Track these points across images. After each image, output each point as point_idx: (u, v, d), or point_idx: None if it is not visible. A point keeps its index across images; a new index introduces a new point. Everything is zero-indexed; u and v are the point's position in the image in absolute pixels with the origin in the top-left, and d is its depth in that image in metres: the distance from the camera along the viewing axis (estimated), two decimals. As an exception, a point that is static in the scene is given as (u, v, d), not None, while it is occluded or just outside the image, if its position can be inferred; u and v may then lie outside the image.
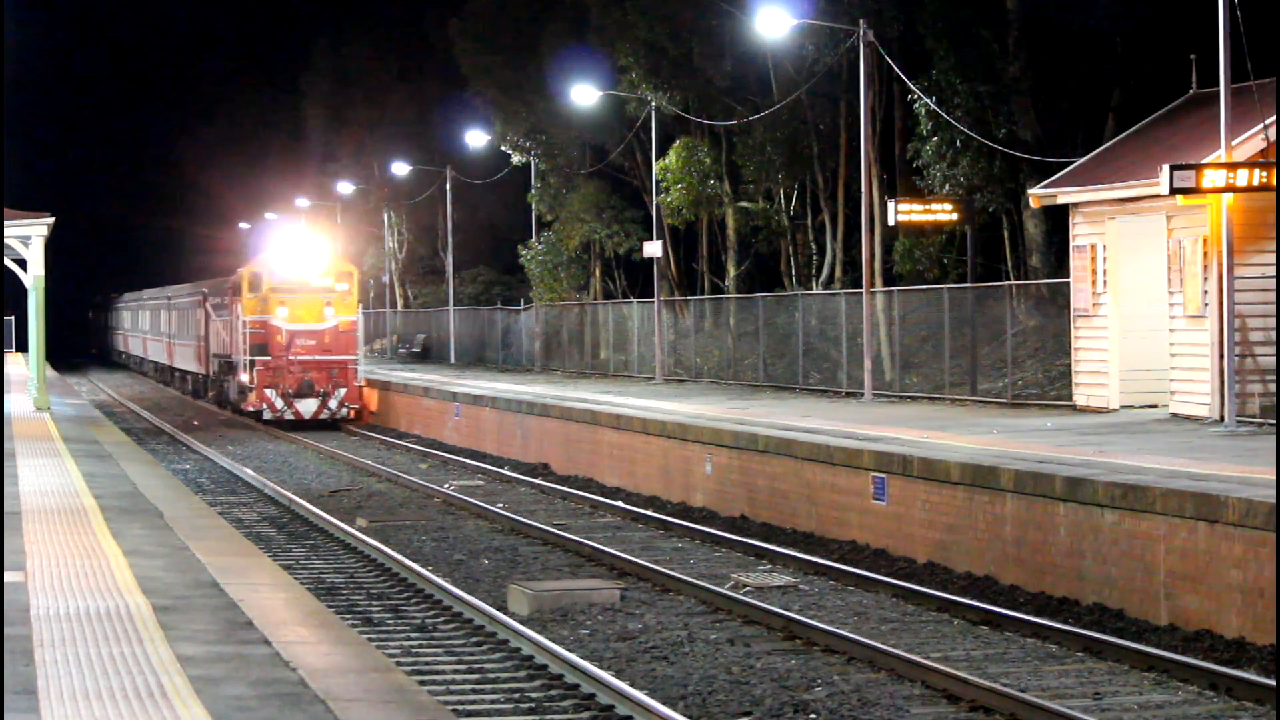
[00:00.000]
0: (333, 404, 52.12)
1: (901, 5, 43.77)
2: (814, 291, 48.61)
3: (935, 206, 40.00)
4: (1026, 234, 42.40)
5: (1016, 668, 16.83)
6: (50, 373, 57.31)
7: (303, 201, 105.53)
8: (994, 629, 18.82)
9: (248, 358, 52.36)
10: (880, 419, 31.68)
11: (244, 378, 52.85)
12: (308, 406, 51.89)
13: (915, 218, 40.05)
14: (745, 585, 21.63)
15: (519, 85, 63.79)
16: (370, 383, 55.49)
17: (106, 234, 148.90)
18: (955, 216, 39.91)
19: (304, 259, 53.99)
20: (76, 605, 14.75)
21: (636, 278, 63.97)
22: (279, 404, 51.65)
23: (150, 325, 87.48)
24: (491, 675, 16.48)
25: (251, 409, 52.51)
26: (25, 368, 59.33)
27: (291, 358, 52.05)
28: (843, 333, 41.79)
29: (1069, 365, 33.69)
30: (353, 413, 52.93)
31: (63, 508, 22.32)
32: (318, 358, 52.21)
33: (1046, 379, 36.43)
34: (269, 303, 52.59)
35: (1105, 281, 31.73)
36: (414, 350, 77.94)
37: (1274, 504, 17.27)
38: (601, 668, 16.32)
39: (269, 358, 52.02)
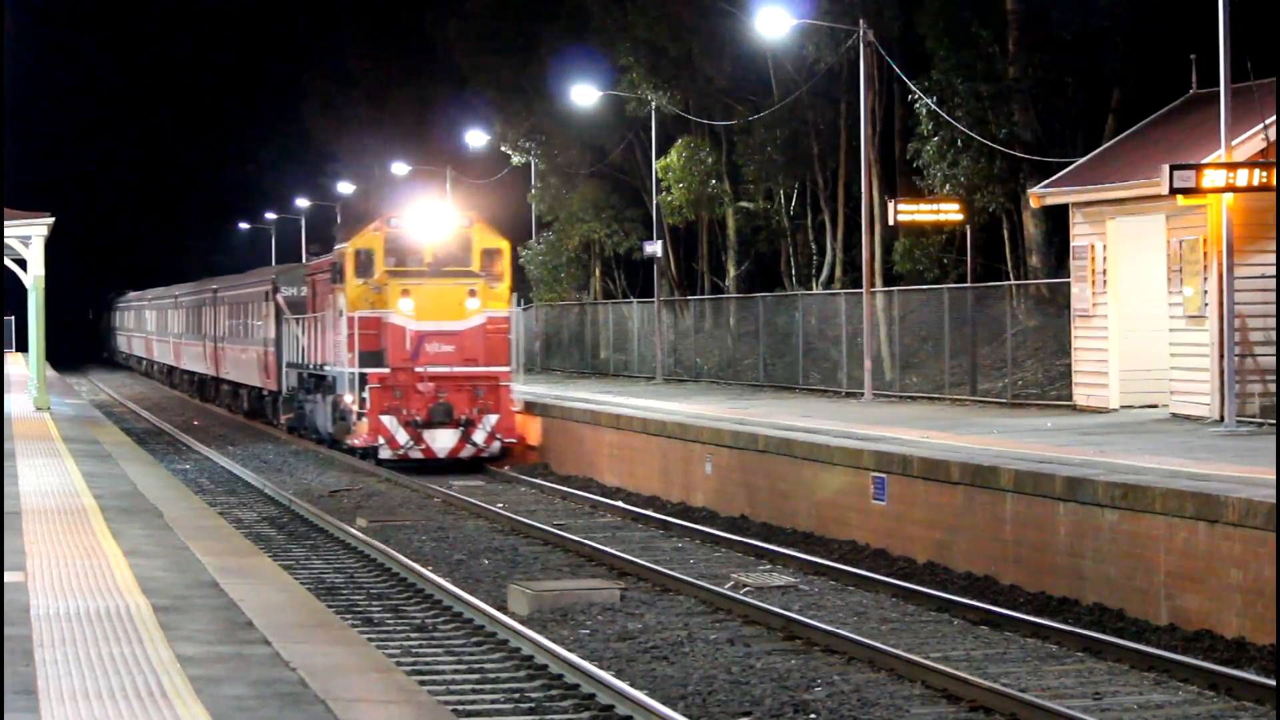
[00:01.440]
0: (479, 436, 37.46)
1: (901, 5, 43.77)
2: (814, 291, 48.62)
3: (936, 206, 40.01)
4: (1026, 234, 42.38)
5: (1016, 668, 16.82)
6: (50, 373, 57.26)
7: (303, 202, 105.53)
8: (994, 629, 18.81)
9: (353, 370, 37.40)
10: (880, 419, 31.68)
11: (347, 399, 37.86)
12: (443, 440, 37.25)
13: (915, 218, 40.06)
14: (745, 585, 21.62)
15: (519, 85, 63.76)
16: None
17: (106, 234, 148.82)
18: (956, 216, 39.92)
19: (437, 228, 38.77)
20: (76, 605, 14.75)
21: (636, 278, 63.97)
22: (402, 438, 36.97)
23: (182, 326, 71.90)
24: (491, 675, 16.48)
25: (359, 444, 37.84)
26: (25, 368, 59.30)
27: (420, 370, 37.19)
28: (843, 333, 41.80)
29: (1069, 365, 33.68)
30: (508, 448, 38.47)
31: (63, 508, 22.32)
32: (458, 370, 37.42)
33: (1046, 379, 36.43)
34: (387, 292, 37.70)
35: (1105, 281, 31.72)
36: None
37: (1274, 504, 17.26)
38: (601, 668, 16.32)
39: (386, 370, 37.15)
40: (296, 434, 45.95)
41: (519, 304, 39.25)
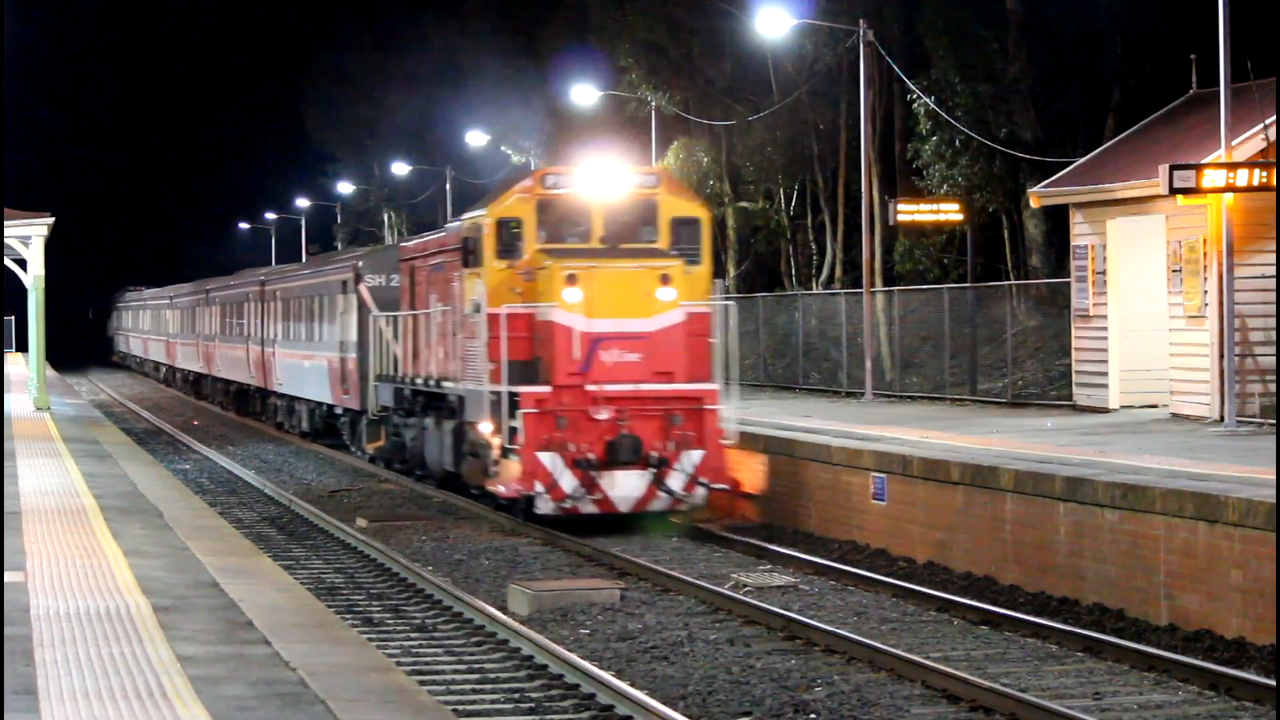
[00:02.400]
0: (676, 481, 26.68)
1: (901, 5, 43.79)
2: (814, 291, 48.64)
3: (936, 206, 40.02)
4: (1026, 234, 42.41)
5: (1016, 668, 16.82)
6: (50, 373, 57.26)
7: (303, 202, 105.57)
8: (994, 629, 18.81)
9: (497, 389, 26.89)
10: (880, 419, 31.68)
11: (484, 428, 27.37)
12: (627, 487, 26.60)
13: (915, 218, 40.08)
14: (745, 585, 21.62)
15: (519, 85, 63.78)
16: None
17: (106, 234, 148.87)
18: (956, 217, 39.94)
19: (611, 189, 28.08)
20: (76, 605, 14.75)
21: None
22: (568, 483, 26.31)
23: (215, 327, 61.29)
24: (491, 675, 16.48)
25: (504, 492, 27.03)
26: (25, 368, 59.29)
27: (595, 388, 26.58)
28: (843, 333, 41.82)
29: (1069, 365, 33.69)
30: (719, 496, 27.85)
31: (63, 508, 22.32)
32: (647, 387, 26.74)
33: (1046, 379, 36.44)
34: (545, 278, 27.01)
35: (1105, 281, 31.72)
36: None
37: (1274, 504, 17.26)
38: (601, 668, 16.32)
39: (546, 388, 26.58)
40: (388, 466, 36.16)
41: (722, 292, 28.67)
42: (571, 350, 26.45)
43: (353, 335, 38.70)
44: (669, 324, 26.73)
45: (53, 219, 42.72)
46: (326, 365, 41.26)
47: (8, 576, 16.03)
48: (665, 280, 26.71)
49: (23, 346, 65.21)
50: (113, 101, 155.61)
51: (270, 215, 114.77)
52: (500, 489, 27.01)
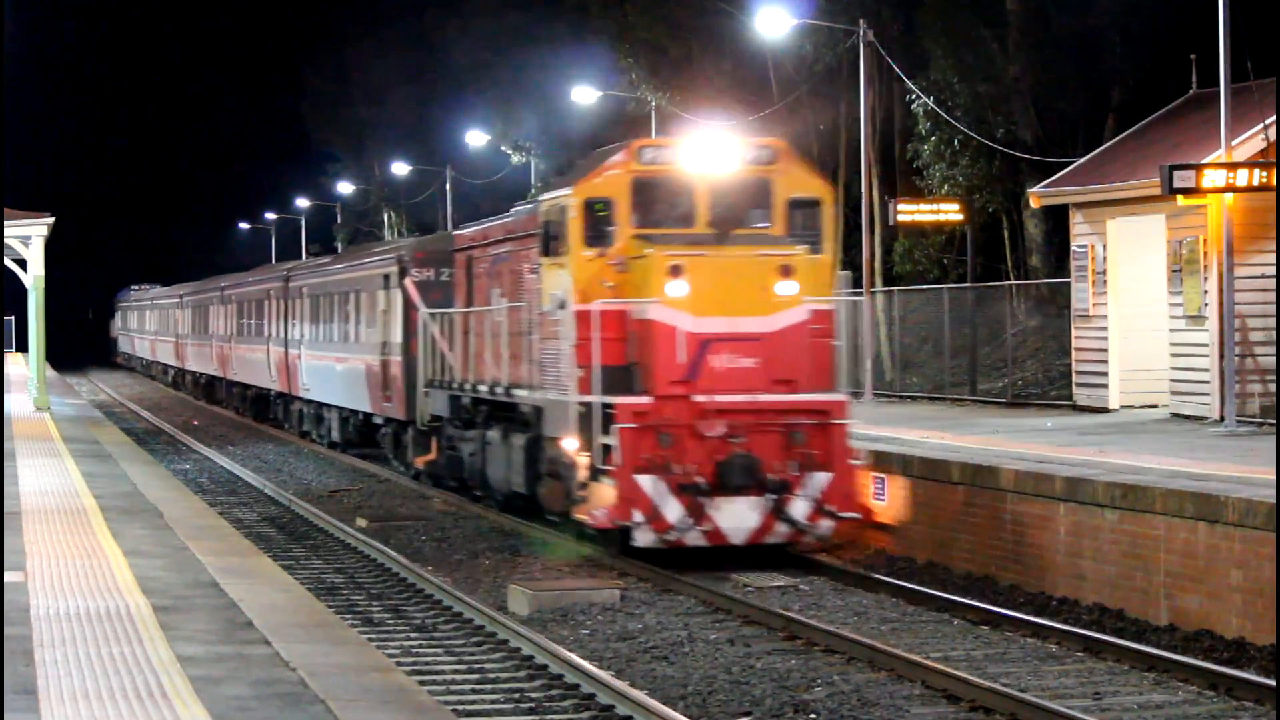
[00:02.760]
0: (798, 509, 22.78)
1: (901, 5, 43.80)
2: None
3: (936, 206, 40.04)
4: (1026, 234, 42.42)
5: (1016, 668, 16.82)
6: (50, 373, 57.26)
7: (303, 202, 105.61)
8: (994, 629, 18.81)
9: (587, 399, 22.95)
10: (880, 418, 31.68)
11: (569, 445, 23.40)
12: (741, 516, 22.70)
13: (915, 218, 40.10)
14: (745, 585, 21.61)
15: (519, 85, 63.81)
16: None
17: (106, 234, 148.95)
18: (956, 217, 39.96)
19: (719, 163, 24.12)
20: (76, 605, 14.76)
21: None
22: (673, 512, 22.37)
23: (231, 326, 57.71)
24: (491, 675, 16.48)
25: (595, 521, 22.89)
26: (25, 368, 59.31)
27: (703, 399, 22.78)
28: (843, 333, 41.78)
29: (1069, 365, 33.70)
30: (844, 527, 23.55)
31: (63, 508, 22.33)
32: (766, 398, 22.94)
33: (1047, 379, 36.46)
34: (642, 269, 23.15)
35: (1105, 281, 31.73)
36: None
37: (1274, 504, 17.27)
38: (601, 668, 16.32)
39: (646, 399, 22.74)
40: (437, 484, 32.04)
41: (849, 285, 25.83)
42: (675, 354, 22.63)
43: (397, 336, 34.89)
44: (790, 323, 22.90)
45: (53, 219, 42.74)
46: (364, 369, 37.26)
47: (8, 576, 16.03)
48: (786, 272, 22.83)
49: (23, 346, 65.26)
50: (113, 101, 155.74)
51: (270, 215, 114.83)
52: (591, 518, 22.72)
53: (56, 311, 55.12)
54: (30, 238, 42.44)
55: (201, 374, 66.44)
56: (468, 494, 30.09)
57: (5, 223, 40.61)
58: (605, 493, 22.38)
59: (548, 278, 24.28)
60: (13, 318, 66.38)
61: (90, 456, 31.29)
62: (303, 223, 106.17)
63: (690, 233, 23.52)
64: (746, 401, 22.67)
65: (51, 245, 43.42)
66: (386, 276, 35.85)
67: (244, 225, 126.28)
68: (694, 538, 22.39)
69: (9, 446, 31.06)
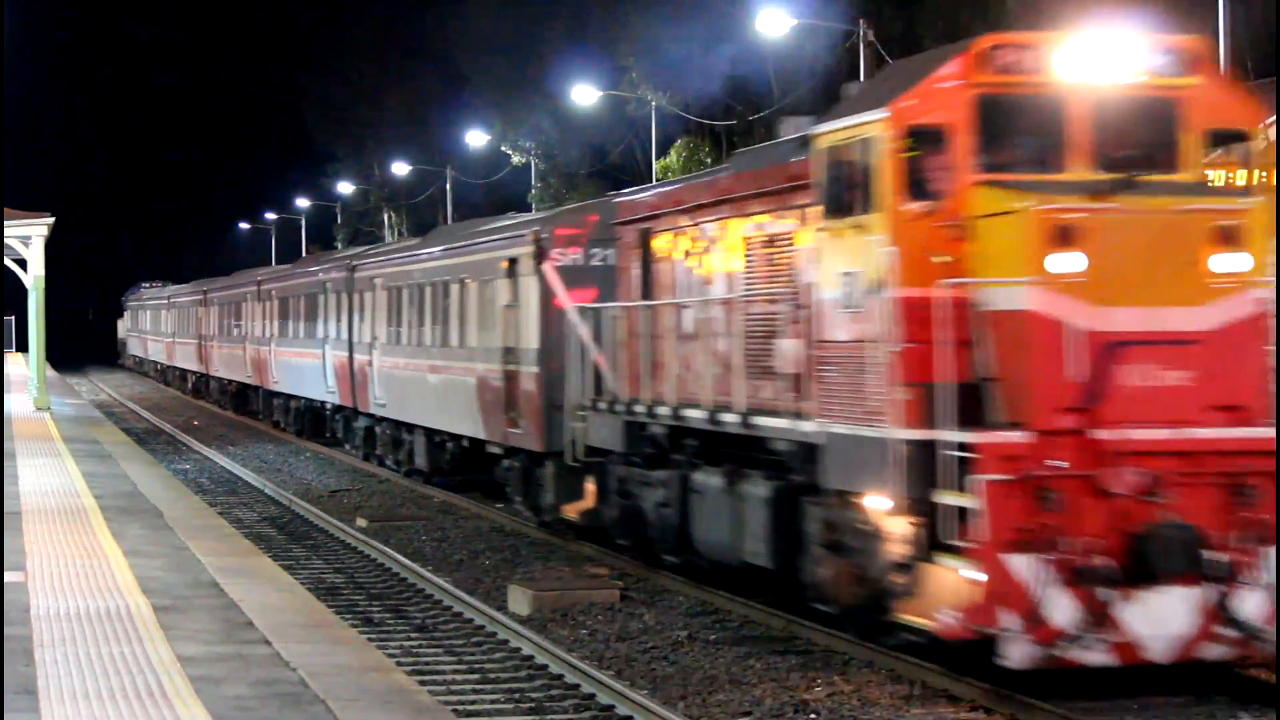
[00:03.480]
0: (1249, 606, 14.59)
1: (901, 5, 43.85)
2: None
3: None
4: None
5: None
6: (50, 373, 57.29)
7: (303, 202, 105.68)
8: (994, 629, 18.73)
9: (922, 436, 14.99)
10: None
11: (875, 504, 15.77)
12: (1167, 618, 14.56)
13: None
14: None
15: (519, 85, 63.85)
16: None
17: (106, 234, 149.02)
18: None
19: (1110, 76, 15.90)
20: (76, 605, 14.76)
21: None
22: (1063, 613, 14.35)
23: (270, 327, 49.91)
24: (491, 675, 16.48)
25: (950, 628, 14.69)
26: (25, 368, 59.34)
27: (1112, 435, 14.63)
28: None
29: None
30: None
31: (63, 508, 22.34)
32: (1200, 433, 14.81)
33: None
34: (1002, 233, 15.09)
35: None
36: None
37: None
38: (601, 668, 16.33)
39: (1018, 435, 14.57)
40: (581, 535, 24.96)
41: None
42: (1065, 365, 14.79)
43: (530, 339, 26.33)
44: (1236, 316, 15.06)
45: (53, 219, 42.78)
46: (474, 383, 29.02)
47: (8, 576, 16.04)
48: (1228, 238, 15.00)
49: (23, 346, 65.29)
50: (113, 101, 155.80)
51: (270, 215, 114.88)
52: (931, 623, 15.04)
53: (56, 311, 55.03)
54: (30, 238, 42.47)
55: (230, 381, 58.60)
56: (647, 554, 22.11)
57: (5, 223, 40.63)
58: (951, 583, 14.77)
59: (832, 250, 16.25)
60: (13, 318, 66.43)
61: (90, 456, 31.30)
62: (303, 223, 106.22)
63: (1074, 179, 15.57)
64: (1174, 439, 14.80)
65: (51, 245, 43.44)
66: (512, 262, 27.14)
67: (244, 225, 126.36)
68: (1095, 653, 14.51)
69: (9, 446, 31.07)
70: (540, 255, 25.99)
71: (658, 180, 51.93)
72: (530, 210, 53.53)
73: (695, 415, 19.65)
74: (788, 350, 17.53)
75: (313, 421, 45.32)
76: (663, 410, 20.66)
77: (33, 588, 15.64)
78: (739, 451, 19.06)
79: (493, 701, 15.34)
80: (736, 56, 50.67)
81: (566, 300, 24.67)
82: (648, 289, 21.93)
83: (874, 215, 15.66)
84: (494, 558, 24.57)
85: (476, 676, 16.44)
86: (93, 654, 12.64)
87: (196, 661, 12.47)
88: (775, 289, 18.09)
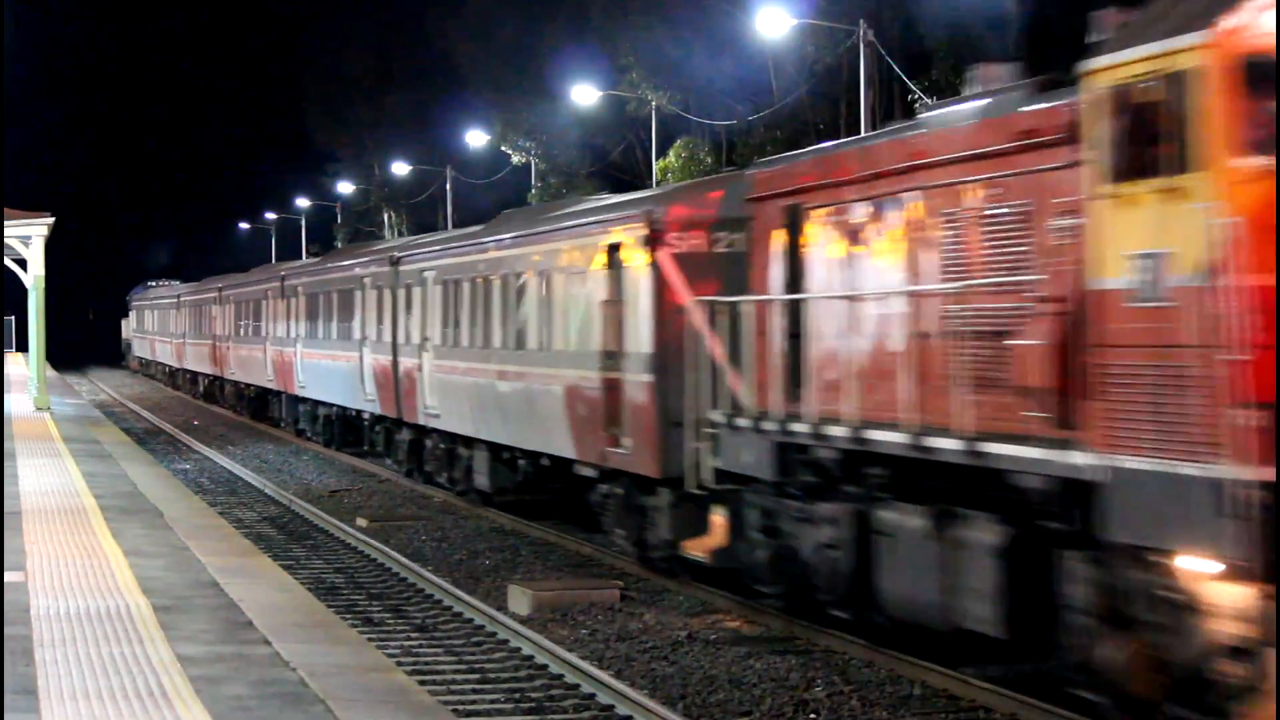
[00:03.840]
0: None
1: (901, 5, 43.86)
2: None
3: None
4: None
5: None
6: (50, 373, 57.30)
7: (303, 202, 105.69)
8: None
9: None
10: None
11: (1197, 567, 11.50)
12: None
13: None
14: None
15: (519, 85, 63.87)
16: None
17: (106, 234, 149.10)
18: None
19: None
20: (76, 605, 14.76)
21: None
22: None
23: (299, 328, 45.52)
24: (491, 675, 16.49)
25: None
26: (25, 368, 59.34)
27: None
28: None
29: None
30: None
31: (63, 508, 22.34)
32: None
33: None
34: None
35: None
36: None
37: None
38: (601, 668, 16.33)
39: None
40: (699, 575, 20.96)
41: None
42: None
43: (640, 342, 21.73)
44: None
45: (53, 219, 42.78)
46: (561, 393, 24.56)
47: (8, 576, 16.04)
48: None
49: (23, 346, 65.30)
50: (113, 101, 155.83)
51: (270, 215, 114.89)
52: None
53: (56, 311, 54.99)
54: (30, 238, 42.47)
55: (249, 386, 55.26)
56: (800, 605, 18.04)
57: (5, 223, 40.63)
58: None
59: (1119, 223, 12.30)
60: (13, 318, 66.44)
61: (90, 456, 31.30)
62: (303, 223, 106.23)
63: None
64: None
65: (51, 245, 43.45)
66: (613, 249, 22.83)
67: (244, 225, 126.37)
68: None
69: (9, 446, 31.07)
70: (654, 241, 21.51)
71: (657, 181, 51.95)
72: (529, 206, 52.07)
73: (889, 438, 15.53)
74: (1037, 356, 13.35)
75: (343, 430, 41.86)
76: (837, 431, 16.42)
77: (33, 588, 15.64)
78: (946, 485, 15.03)
79: (493, 701, 15.34)
80: (737, 56, 50.69)
81: (688, 295, 20.70)
82: (796, 279, 18.07)
83: (1194, 175, 11.57)
84: (494, 558, 24.56)
85: (476, 676, 16.44)
86: (93, 654, 12.64)
87: (196, 661, 12.47)
88: (1011, 277, 14.19)
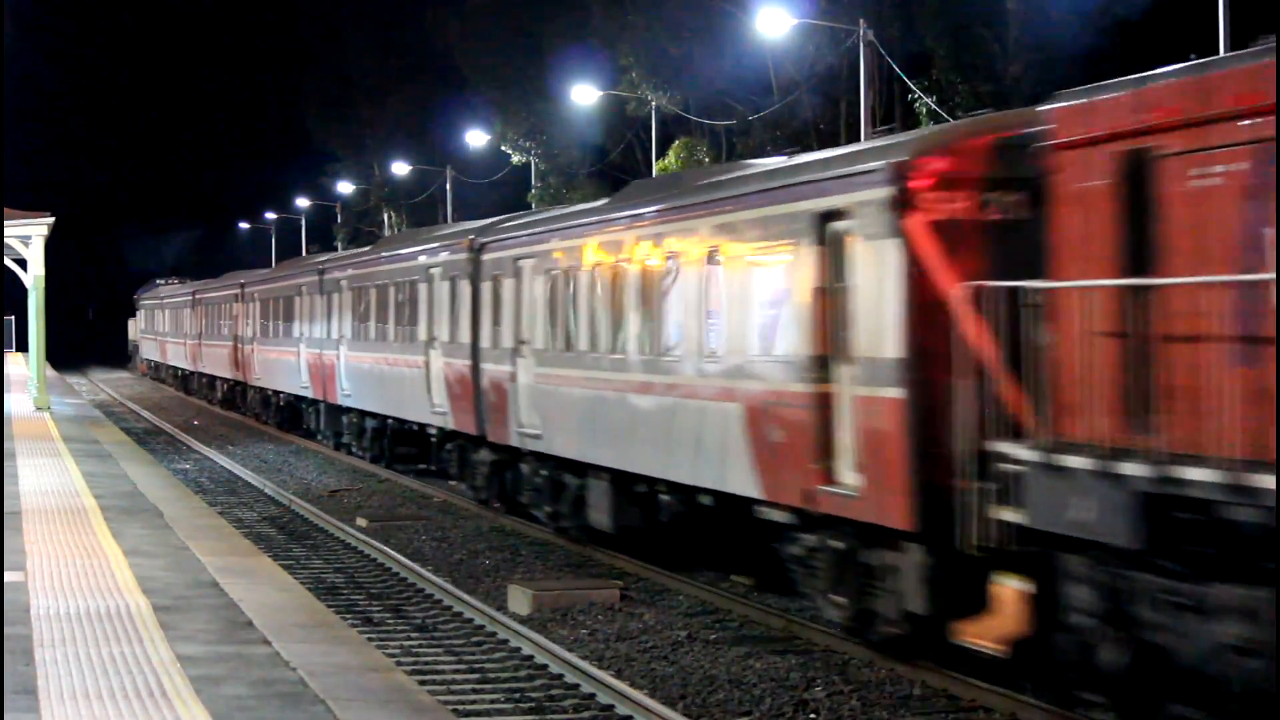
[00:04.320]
0: None
1: (901, 5, 43.84)
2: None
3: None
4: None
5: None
6: (50, 372, 57.29)
7: (303, 202, 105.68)
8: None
9: None
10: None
11: None
12: None
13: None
14: (745, 585, 21.59)
15: (519, 85, 63.89)
16: None
17: (106, 233, 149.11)
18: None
19: None
20: (76, 605, 14.76)
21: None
22: None
23: (345, 328, 39.84)
24: (491, 675, 16.48)
25: None
26: (25, 368, 59.34)
27: None
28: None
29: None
30: None
31: (63, 508, 22.34)
32: None
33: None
34: None
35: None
36: None
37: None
38: (601, 668, 16.33)
39: None
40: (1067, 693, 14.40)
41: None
42: None
43: (884, 344, 15.92)
44: None
45: (53, 219, 42.77)
46: (740, 412, 18.95)
47: (8, 576, 16.04)
48: None
49: (23, 346, 65.28)
50: (113, 101, 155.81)
51: (270, 215, 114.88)
52: None
53: (56, 311, 54.96)
54: (30, 237, 42.47)
55: (277, 393, 49.87)
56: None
57: (5, 223, 40.63)
58: None
59: None
60: (13, 318, 66.41)
61: (90, 456, 31.30)
62: (303, 223, 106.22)
63: None
64: None
65: (51, 245, 43.45)
66: (826, 217, 17.10)
67: (244, 225, 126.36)
68: None
69: (9, 446, 31.07)
70: (904, 204, 15.67)
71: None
72: (533, 208, 48.63)
73: None
74: None
75: (393, 443, 36.74)
76: (1265, 482, 10.82)
77: (33, 587, 15.64)
78: None
79: (492, 701, 15.34)
80: (737, 56, 50.69)
81: (953, 279, 15.19)
82: (1140, 256, 12.44)
83: None
84: (494, 558, 24.56)
85: (476, 676, 16.44)
86: (93, 654, 12.64)
87: (196, 661, 12.47)
88: None
